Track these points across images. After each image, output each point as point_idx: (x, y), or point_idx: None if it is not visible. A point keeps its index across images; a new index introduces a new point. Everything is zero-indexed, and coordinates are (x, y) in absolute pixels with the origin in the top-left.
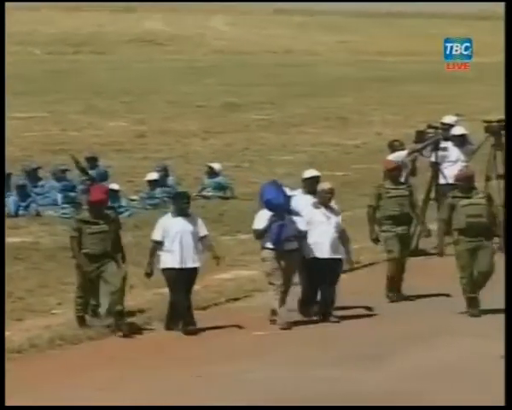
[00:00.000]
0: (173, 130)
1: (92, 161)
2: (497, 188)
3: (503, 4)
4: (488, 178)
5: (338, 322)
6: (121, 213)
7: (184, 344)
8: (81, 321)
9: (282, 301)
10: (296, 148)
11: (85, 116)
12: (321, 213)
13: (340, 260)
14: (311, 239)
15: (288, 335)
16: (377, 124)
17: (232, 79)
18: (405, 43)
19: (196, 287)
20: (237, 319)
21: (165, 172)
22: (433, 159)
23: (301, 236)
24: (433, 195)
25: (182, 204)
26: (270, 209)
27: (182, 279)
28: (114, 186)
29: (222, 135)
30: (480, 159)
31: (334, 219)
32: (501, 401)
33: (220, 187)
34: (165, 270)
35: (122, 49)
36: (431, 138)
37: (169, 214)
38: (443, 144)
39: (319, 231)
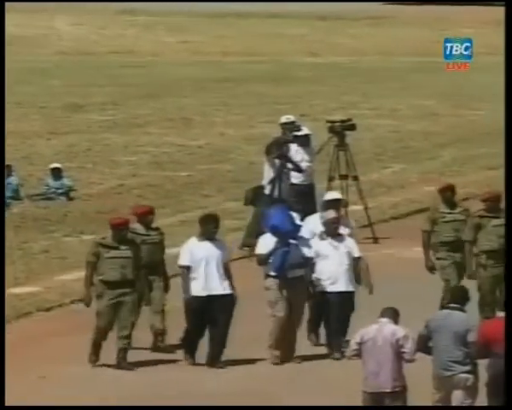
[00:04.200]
0: (17, 131)
1: None
2: (340, 188)
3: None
4: (331, 179)
5: (339, 359)
6: None
7: (27, 345)
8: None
9: (280, 340)
10: (140, 148)
11: None
12: (327, 244)
13: (351, 292)
14: (318, 272)
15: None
16: (220, 124)
17: (75, 80)
18: (247, 43)
19: (39, 288)
20: (81, 320)
21: (7, 171)
22: (277, 159)
23: (306, 263)
24: (276, 193)
25: (211, 228)
26: (275, 235)
27: (206, 309)
28: None
29: (65, 136)
30: (323, 159)
31: (344, 249)
32: (339, 401)
33: (64, 188)
34: (186, 298)
35: None
36: (275, 138)
37: (194, 238)
38: (290, 145)
39: (326, 263)
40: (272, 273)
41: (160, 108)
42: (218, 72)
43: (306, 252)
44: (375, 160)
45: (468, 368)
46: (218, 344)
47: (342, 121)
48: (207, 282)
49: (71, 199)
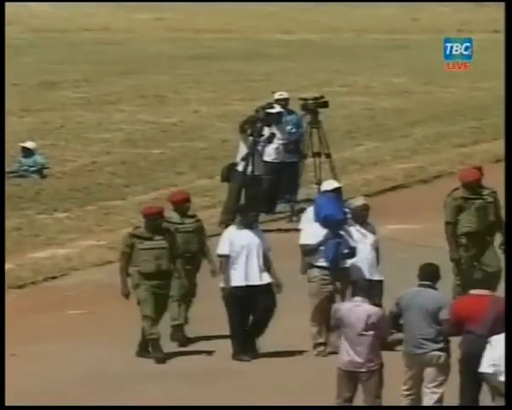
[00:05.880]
0: None
1: None
2: (314, 166)
3: None
4: (304, 156)
5: None
6: None
7: None
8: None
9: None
10: (113, 126)
11: None
12: (355, 231)
13: (379, 281)
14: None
15: (104, 314)
16: (194, 101)
17: (48, 57)
18: (221, 20)
19: (11, 266)
20: (54, 297)
21: None
22: (250, 137)
23: (353, 253)
24: (249, 170)
25: (251, 216)
26: (328, 226)
27: (245, 299)
28: None
29: (38, 113)
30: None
31: (371, 238)
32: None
33: (37, 166)
34: (225, 288)
35: None
36: (250, 117)
37: (233, 226)
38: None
39: None
40: (323, 264)
41: (134, 86)
42: (191, 49)
43: (352, 242)
44: (348, 137)
45: (440, 346)
46: (254, 334)
47: (315, 99)
48: (247, 272)
49: (44, 176)
